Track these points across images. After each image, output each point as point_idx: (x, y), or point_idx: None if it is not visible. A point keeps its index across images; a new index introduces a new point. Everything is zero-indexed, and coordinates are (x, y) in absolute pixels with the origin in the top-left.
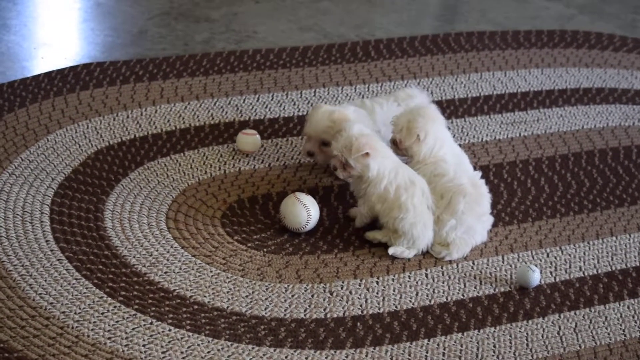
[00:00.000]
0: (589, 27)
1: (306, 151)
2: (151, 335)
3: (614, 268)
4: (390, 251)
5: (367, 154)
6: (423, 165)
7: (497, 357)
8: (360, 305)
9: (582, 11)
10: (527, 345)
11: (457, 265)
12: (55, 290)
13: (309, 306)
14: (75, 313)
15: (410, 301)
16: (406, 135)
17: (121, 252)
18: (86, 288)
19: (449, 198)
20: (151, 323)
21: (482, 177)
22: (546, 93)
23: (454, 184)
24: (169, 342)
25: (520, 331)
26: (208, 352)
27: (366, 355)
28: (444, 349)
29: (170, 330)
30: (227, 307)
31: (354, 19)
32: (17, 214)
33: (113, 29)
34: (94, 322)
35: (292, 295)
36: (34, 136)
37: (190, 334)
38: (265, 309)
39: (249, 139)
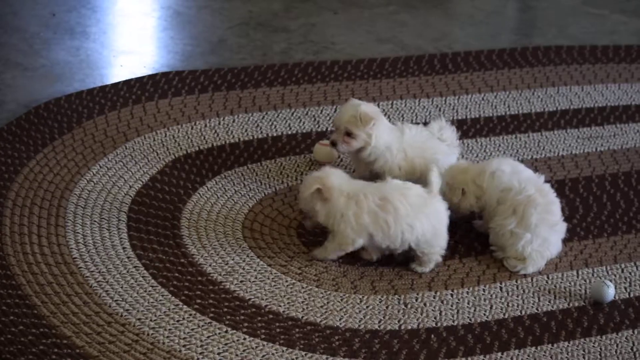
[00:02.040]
0: None
1: (331, 141)
2: (226, 344)
3: None
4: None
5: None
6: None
7: None
8: (435, 318)
9: None
10: None
11: (532, 279)
12: (131, 297)
13: (384, 317)
14: (151, 320)
15: (484, 314)
16: (451, 193)
17: (197, 260)
18: (162, 295)
19: (521, 212)
20: (226, 331)
21: (557, 191)
22: (623, 108)
23: (524, 196)
24: (244, 350)
25: (593, 346)
26: None
27: None
28: None
29: (245, 339)
30: (302, 317)
31: (432, 32)
32: (95, 221)
33: (192, 37)
34: (170, 329)
35: (367, 307)
36: (112, 144)
37: (265, 343)
38: (340, 319)
39: (326, 149)
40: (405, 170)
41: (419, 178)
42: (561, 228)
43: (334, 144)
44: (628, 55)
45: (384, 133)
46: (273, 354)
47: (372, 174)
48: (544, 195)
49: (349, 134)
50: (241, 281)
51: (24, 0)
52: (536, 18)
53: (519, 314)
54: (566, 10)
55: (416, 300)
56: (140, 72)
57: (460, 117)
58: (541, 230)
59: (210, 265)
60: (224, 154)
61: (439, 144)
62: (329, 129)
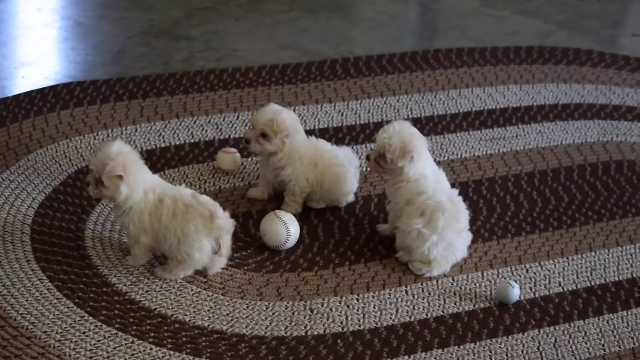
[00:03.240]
0: (567, 43)
1: (245, 138)
2: (132, 354)
3: (593, 283)
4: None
5: (120, 176)
6: (405, 183)
7: None
8: (341, 323)
9: (560, 27)
10: None
11: (437, 282)
12: (36, 310)
13: (290, 324)
14: (56, 333)
15: (391, 318)
16: (400, 156)
17: (102, 271)
18: (67, 307)
19: (429, 215)
20: (132, 342)
21: (461, 193)
22: (525, 109)
23: (433, 201)
24: None
25: (500, 347)
26: None
27: None
28: None
29: (151, 349)
30: (208, 325)
31: (333, 37)
32: None
33: (93, 47)
34: (76, 341)
35: (273, 313)
36: (14, 156)
37: (172, 352)
38: (246, 327)
39: (228, 157)
40: (312, 182)
41: (328, 191)
42: (467, 236)
43: (247, 142)
44: (529, 56)
45: (298, 142)
46: None
47: (277, 180)
48: (454, 204)
49: (264, 136)
50: (146, 291)
51: None
52: (437, 21)
53: (425, 316)
54: (466, 12)
55: (322, 305)
56: (41, 83)
57: (362, 122)
58: (447, 234)
59: (115, 276)
60: None
61: (350, 155)
62: (231, 137)
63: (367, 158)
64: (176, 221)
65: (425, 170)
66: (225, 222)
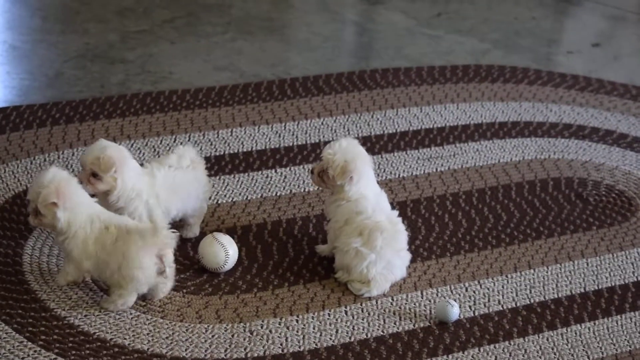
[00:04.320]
0: (503, 61)
1: (78, 179)
2: None
3: (532, 301)
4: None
5: (54, 203)
6: (345, 202)
7: None
8: (281, 344)
9: (496, 45)
10: None
11: (377, 302)
12: None
13: (230, 346)
14: None
15: (331, 339)
16: (340, 174)
17: (40, 296)
18: (6, 333)
19: (367, 234)
20: None
21: (399, 213)
22: (462, 128)
23: (372, 221)
24: None
25: None
26: None
27: None
28: None
29: None
30: (148, 349)
31: (269, 58)
32: None
33: (29, 72)
34: None
35: (213, 336)
36: None
37: None
38: (186, 349)
39: None
40: (160, 214)
41: (182, 219)
42: (406, 255)
43: (80, 182)
44: (465, 75)
45: (132, 178)
46: None
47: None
48: (393, 224)
49: (94, 175)
50: (85, 315)
51: None
52: (373, 41)
53: (365, 336)
54: (402, 32)
55: (262, 327)
56: None
57: (300, 143)
58: (386, 252)
59: (53, 301)
60: None
61: (189, 176)
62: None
63: (312, 172)
64: (118, 246)
65: (366, 191)
66: (168, 235)
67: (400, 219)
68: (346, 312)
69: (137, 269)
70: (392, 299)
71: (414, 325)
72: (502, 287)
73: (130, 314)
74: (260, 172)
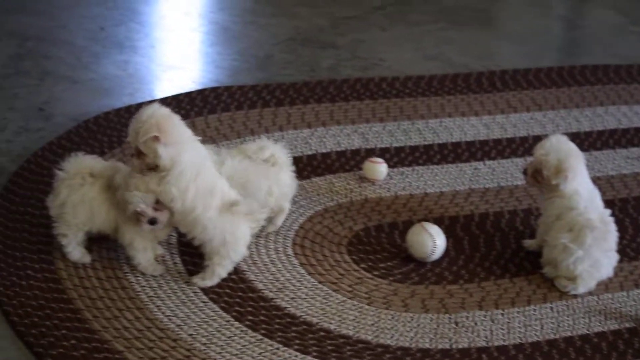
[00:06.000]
0: None
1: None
2: None
3: None
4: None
5: (155, 137)
6: (559, 198)
7: None
8: (486, 337)
9: None
10: None
11: (582, 300)
12: (182, 312)
13: (434, 336)
14: (202, 336)
15: (536, 334)
16: (554, 173)
17: (248, 276)
18: (213, 311)
19: (577, 230)
20: (277, 348)
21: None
22: None
23: (583, 218)
24: None
25: None
26: None
27: None
28: None
29: (296, 356)
30: (353, 334)
31: (478, 49)
32: None
33: (239, 53)
34: (221, 345)
35: (418, 325)
36: None
37: None
38: (391, 337)
39: (376, 167)
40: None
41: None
42: (613, 256)
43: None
44: None
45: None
46: None
47: None
48: (604, 224)
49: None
50: (292, 298)
51: (73, 14)
52: (582, 37)
53: (570, 334)
54: (612, 29)
55: (467, 319)
56: (188, 87)
57: (508, 136)
58: (594, 251)
59: (261, 282)
60: None
61: (262, 170)
62: (378, 147)
63: (524, 172)
64: (225, 216)
65: (580, 187)
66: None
67: (612, 218)
68: (551, 309)
69: (243, 245)
70: (598, 298)
71: (619, 326)
72: None
73: (337, 299)
74: (468, 163)
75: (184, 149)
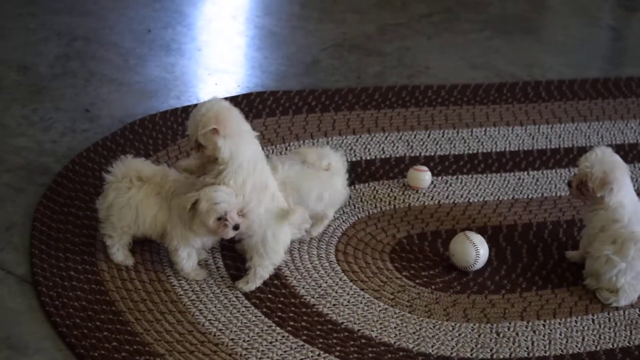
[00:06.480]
0: None
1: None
2: None
3: None
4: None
5: (214, 129)
6: (603, 210)
7: None
8: (527, 348)
9: None
10: None
11: (624, 312)
12: (224, 317)
13: (476, 346)
14: (244, 341)
15: (577, 346)
16: (599, 186)
17: (290, 282)
18: (255, 316)
19: (621, 243)
20: (319, 355)
21: None
22: None
23: (627, 230)
24: None
25: None
26: None
27: None
28: None
29: None
30: (394, 342)
31: (524, 58)
32: None
33: (286, 58)
34: (262, 350)
35: (459, 334)
36: None
37: None
38: (432, 346)
39: (420, 175)
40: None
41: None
42: None
43: (569, 185)
44: None
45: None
46: None
47: None
48: None
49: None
50: (334, 304)
51: (120, 16)
52: (629, 48)
53: (611, 346)
54: None
55: (508, 329)
56: (234, 90)
57: (553, 146)
58: (637, 264)
59: (303, 288)
60: None
61: (315, 176)
62: (422, 155)
63: (569, 185)
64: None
65: (625, 199)
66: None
67: None
68: (593, 321)
69: (282, 247)
70: None
71: None
72: None
73: (379, 306)
74: (512, 173)
75: (242, 143)
